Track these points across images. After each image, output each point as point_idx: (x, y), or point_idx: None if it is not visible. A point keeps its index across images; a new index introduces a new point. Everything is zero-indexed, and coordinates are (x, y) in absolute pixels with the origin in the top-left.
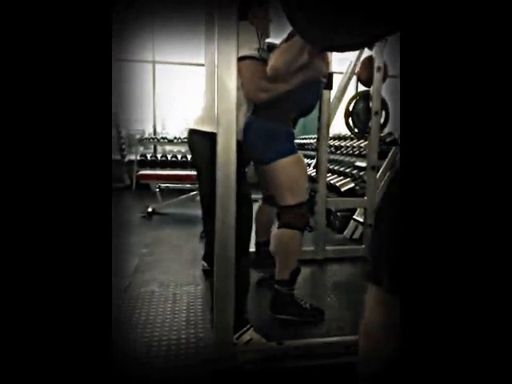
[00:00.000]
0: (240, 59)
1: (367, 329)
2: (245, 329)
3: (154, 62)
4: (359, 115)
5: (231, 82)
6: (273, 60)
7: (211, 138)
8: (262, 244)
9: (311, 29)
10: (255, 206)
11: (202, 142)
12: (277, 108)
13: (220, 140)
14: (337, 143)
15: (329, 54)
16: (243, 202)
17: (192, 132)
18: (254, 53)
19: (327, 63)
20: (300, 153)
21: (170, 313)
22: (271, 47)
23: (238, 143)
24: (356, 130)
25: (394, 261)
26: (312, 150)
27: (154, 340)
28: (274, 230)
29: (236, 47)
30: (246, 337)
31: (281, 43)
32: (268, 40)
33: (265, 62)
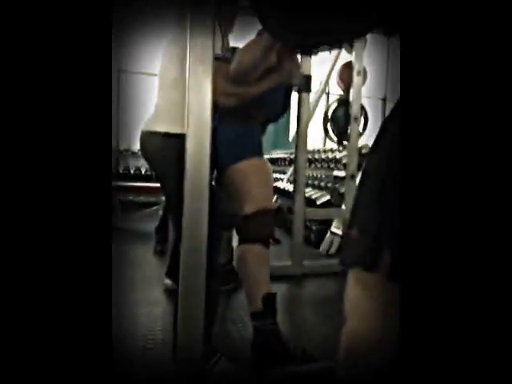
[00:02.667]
0: None
1: (353, 336)
2: (215, 358)
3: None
4: (338, 121)
5: (205, 72)
6: (235, 61)
7: (170, 139)
8: (225, 264)
9: (284, 26)
10: None
11: (160, 145)
12: (242, 112)
13: (190, 144)
14: (310, 156)
15: (304, 57)
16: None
17: (147, 135)
18: (217, 52)
19: (298, 66)
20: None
21: (126, 337)
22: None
23: None
24: (335, 138)
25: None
26: (285, 164)
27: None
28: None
29: (212, 30)
30: (218, 368)
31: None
32: (232, 45)
33: (229, 62)
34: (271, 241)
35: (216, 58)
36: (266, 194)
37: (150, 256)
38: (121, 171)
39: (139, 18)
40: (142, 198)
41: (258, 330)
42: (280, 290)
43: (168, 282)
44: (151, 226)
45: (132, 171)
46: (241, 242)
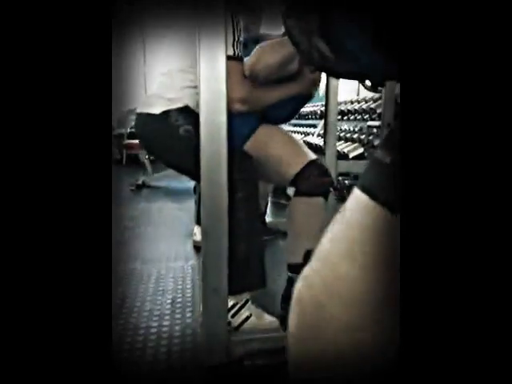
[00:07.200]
0: None
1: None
2: (240, 304)
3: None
4: None
5: (219, 42)
6: (253, 58)
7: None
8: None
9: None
10: None
11: (162, 128)
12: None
13: (204, 115)
14: (343, 108)
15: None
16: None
17: (144, 117)
18: (230, 51)
19: (319, 79)
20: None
21: (152, 293)
22: (262, 38)
23: None
24: (369, 84)
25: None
26: (315, 118)
27: (129, 328)
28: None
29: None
30: (243, 314)
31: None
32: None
33: (241, 61)
34: (332, 189)
35: (230, 58)
36: (300, 150)
37: (178, 212)
38: None
39: None
40: None
41: (291, 280)
42: None
43: (196, 238)
44: (183, 183)
45: None
46: (297, 195)
